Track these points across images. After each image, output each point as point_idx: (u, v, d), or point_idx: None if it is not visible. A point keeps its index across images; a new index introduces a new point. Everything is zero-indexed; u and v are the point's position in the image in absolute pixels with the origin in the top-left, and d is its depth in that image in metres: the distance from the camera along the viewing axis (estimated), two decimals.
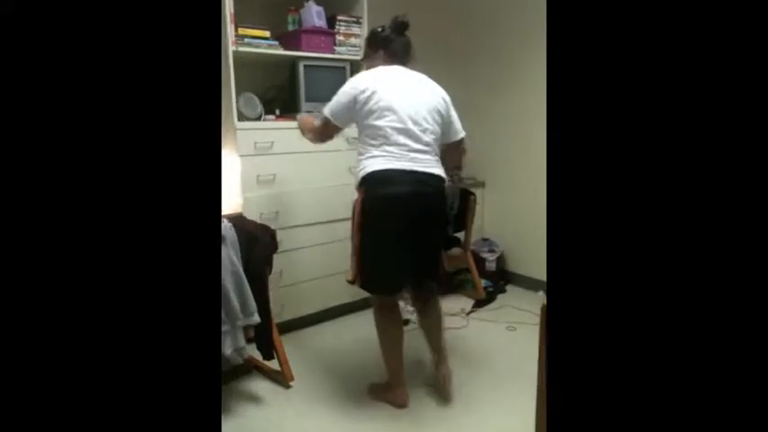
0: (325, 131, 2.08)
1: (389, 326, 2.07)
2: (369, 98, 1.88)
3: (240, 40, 2.45)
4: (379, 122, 1.87)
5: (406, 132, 1.88)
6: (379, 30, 2.06)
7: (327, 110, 1.99)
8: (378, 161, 1.87)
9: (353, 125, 2.04)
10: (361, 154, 1.95)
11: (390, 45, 2.03)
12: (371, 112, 1.88)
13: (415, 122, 1.89)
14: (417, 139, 1.89)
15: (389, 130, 1.86)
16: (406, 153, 1.87)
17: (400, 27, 2.04)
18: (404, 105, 1.89)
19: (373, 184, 1.87)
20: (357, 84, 1.94)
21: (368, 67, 2.05)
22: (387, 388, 2.12)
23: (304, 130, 2.19)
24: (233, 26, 2.39)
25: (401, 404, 2.07)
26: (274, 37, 2.61)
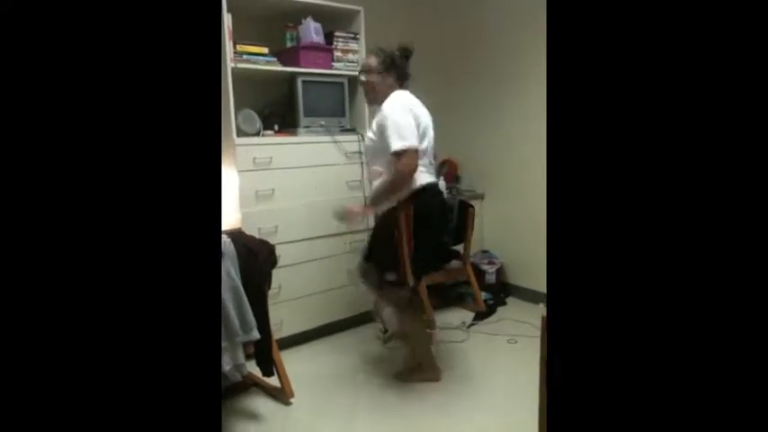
0: (415, 162, 2.03)
1: (416, 316, 2.42)
2: (418, 122, 2.10)
3: (239, 57, 2.47)
4: (423, 144, 2.13)
5: (429, 151, 2.22)
6: (398, 54, 2.20)
7: (405, 142, 1.99)
8: (424, 176, 2.17)
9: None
10: None
11: (400, 69, 2.21)
12: (420, 135, 2.12)
13: (430, 141, 2.22)
14: (432, 156, 2.27)
15: (428, 150, 2.19)
16: (431, 168, 2.26)
17: (408, 54, 2.23)
18: (430, 127, 2.20)
19: (424, 194, 2.15)
20: (407, 109, 2.08)
21: (376, 85, 2.20)
22: (419, 369, 2.40)
23: (403, 180, 2.07)
24: (231, 43, 2.41)
25: (437, 378, 2.38)
26: (272, 53, 2.63)
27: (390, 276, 2.22)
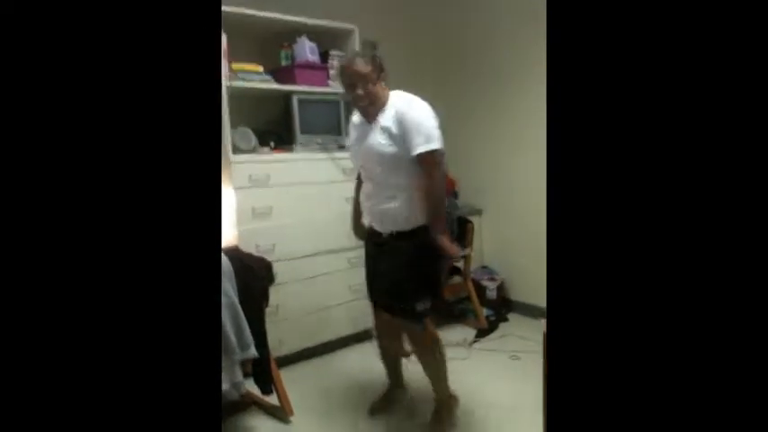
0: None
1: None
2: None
3: (234, 75, 2.49)
4: None
5: None
6: (376, 52, 1.91)
7: (439, 143, 1.80)
8: None
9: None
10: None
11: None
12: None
13: None
14: None
15: None
16: None
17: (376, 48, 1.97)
18: None
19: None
20: (427, 106, 1.86)
21: (377, 95, 1.85)
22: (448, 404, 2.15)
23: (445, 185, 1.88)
24: (227, 61, 2.43)
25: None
26: (267, 71, 2.66)
27: (422, 306, 1.92)
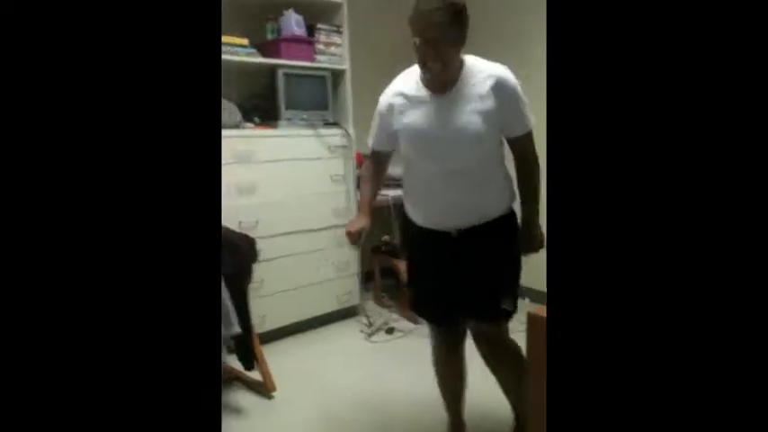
0: None
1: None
2: None
3: None
4: None
5: None
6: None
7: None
8: None
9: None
10: (503, 171, 1.63)
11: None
12: None
13: None
14: None
15: None
16: None
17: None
18: None
19: None
20: None
21: (452, 58, 1.43)
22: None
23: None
24: None
25: None
26: (253, 45, 2.61)
27: (509, 304, 1.64)
